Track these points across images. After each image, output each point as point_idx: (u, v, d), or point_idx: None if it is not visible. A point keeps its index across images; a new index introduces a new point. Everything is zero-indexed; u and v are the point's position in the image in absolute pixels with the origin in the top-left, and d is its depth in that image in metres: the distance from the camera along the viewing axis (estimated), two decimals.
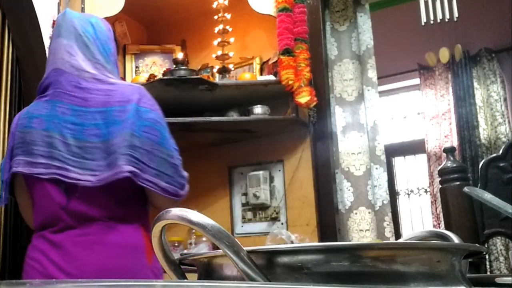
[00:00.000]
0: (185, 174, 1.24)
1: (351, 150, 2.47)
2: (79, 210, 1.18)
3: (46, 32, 2.25)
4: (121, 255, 1.16)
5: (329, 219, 2.27)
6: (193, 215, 0.38)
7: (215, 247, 0.39)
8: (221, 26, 2.41)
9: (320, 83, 2.37)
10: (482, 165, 1.45)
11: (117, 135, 1.16)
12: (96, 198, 1.17)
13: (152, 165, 1.16)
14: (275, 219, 2.38)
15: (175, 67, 2.23)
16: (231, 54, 2.43)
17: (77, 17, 1.33)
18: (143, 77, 2.33)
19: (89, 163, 1.16)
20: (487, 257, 3.43)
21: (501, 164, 1.41)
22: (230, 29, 2.42)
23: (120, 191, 1.18)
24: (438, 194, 3.14)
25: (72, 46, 1.27)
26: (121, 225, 1.19)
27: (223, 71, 2.40)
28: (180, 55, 2.38)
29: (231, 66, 2.45)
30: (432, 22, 2.81)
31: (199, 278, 0.44)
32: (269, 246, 0.38)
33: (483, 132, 3.84)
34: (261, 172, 2.38)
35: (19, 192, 1.28)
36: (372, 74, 2.49)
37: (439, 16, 2.79)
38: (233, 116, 2.29)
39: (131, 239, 1.18)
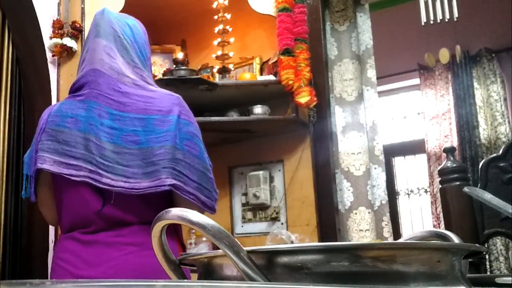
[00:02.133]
0: (217, 190, 1.26)
1: (351, 150, 2.47)
2: (114, 216, 1.16)
3: (46, 32, 2.25)
4: (154, 255, 1.14)
5: (329, 219, 2.27)
6: (193, 215, 0.38)
7: (215, 247, 0.39)
8: (221, 26, 2.41)
9: (320, 83, 2.37)
10: (482, 165, 1.45)
11: (157, 145, 1.14)
12: (132, 204, 1.16)
13: (193, 178, 1.16)
14: (275, 219, 2.38)
15: (175, 67, 2.23)
16: (231, 54, 2.43)
17: (115, 18, 1.30)
18: None
19: (123, 169, 1.14)
20: (487, 257, 3.43)
21: (501, 164, 1.41)
22: (230, 29, 2.42)
23: (156, 198, 1.17)
24: (438, 194, 3.14)
25: (111, 48, 1.24)
26: None
27: (223, 71, 2.40)
28: (180, 55, 2.38)
29: (231, 66, 2.45)
30: (432, 22, 2.81)
31: (199, 278, 0.44)
32: (269, 246, 0.38)
33: (483, 132, 3.84)
34: (261, 172, 2.38)
35: (42, 189, 1.26)
36: (372, 74, 2.49)
37: (439, 16, 2.79)
38: (233, 116, 2.29)
39: (167, 242, 1.16)
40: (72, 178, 1.15)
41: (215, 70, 2.48)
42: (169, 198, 1.19)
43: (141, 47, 1.30)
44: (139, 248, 1.15)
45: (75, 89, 1.26)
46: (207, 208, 1.19)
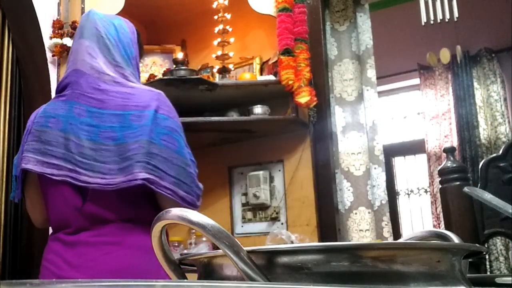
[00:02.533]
0: (201, 185, 1.24)
1: (351, 150, 2.47)
2: (93, 212, 1.17)
3: (46, 32, 2.25)
4: (135, 255, 1.15)
5: (329, 219, 2.27)
6: (193, 215, 0.38)
7: (215, 247, 0.39)
8: (221, 26, 2.41)
9: (320, 83, 2.37)
10: (482, 165, 1.45)
11: (132, 140, 1.14)
12: (111, 200, 1.16)
13: (171, 173, 1.15)
14: (275, 219, 2.38)
15: (175, 67, 2.23)
16: (231, 54, 2.43)
17: (100, 18, 1.31)
18: (143, 77, 2.33)
19: (100, 165, 1.15)
20: (487, 257, 3.43)
21: (501, 164, 1.41)
22: (230, 29, 2.42)
23: (134, 194, 1.17)
24: (438, 194, 3.14)
25: (93, 48, 1.26)
26: (136, 226, 1.17)
27: (223, 71, 2.40)
28: (180, 55, 2.38)
29: (231, 66, 2.45)
30: (432, 22, 2.81)
31: (199, 278, 0.44)
32: (269, 246, 0.38)
33: (483, 132, 3.84)
34: (261, 172, 2.38)
35: (29, 189, 1.27)
36: (371, 74, 2.49)
37: (439, 16, 2.79)
38: (233, 116, 2.29)
39: (145, 240, 1.16)
40: (54, 177, 1.17)
41: (215, 70, 2.48)
42: (149, 194, 1.18)
43: (125, 46, 1.31)
44: (118, 248, 1.15)
45: (59, 90, 1.28)
46: (187, 203, 1.16)
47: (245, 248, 0.36)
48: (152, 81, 2.17)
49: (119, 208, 1.17)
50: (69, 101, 1.23)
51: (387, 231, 2.36)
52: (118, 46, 1.29)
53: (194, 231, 2.36)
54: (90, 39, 1.27)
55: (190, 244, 2.37)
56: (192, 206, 1.18)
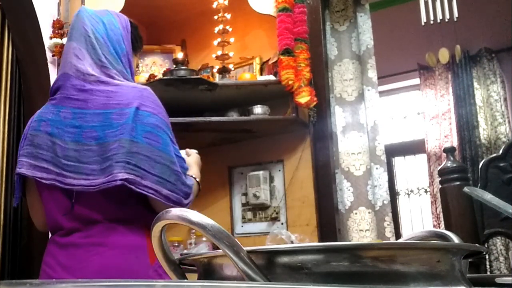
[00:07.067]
0: (190, 182, 1.21)
1: (351, 150, 2.47)
2: (82, 214, 1.18)
3: (46, 32, 2.25)
4: (122, 255, 1.15)
5: (329, 219, 2.27)
6: (193, 215, 0.38)
7: (215, 247, 0.39)
8: (221, 26, 2.41)
9: (320, 83, 2.37)
10: (482, 165, 1.45)
11: (112, 140, 1.14)
12: (97, 201, 1.16)
13: (154, 172, 1.13)
14: (275, 219, 2.38)
15: (175, 67, 2.23)
16: (231, 54, 2.43)
17: (89, 16, 1.29)
18: (143, 77, 2.33)
19: (84, 167, 1.15)
20: (487, 257, 3.43)
21: (501, 164, 1.41)
22: (230, 29, 2.42)
23: (120, 194, 1.16)
24: (438, 194, 3.14)
25: (80, 49, 1.25)
26: (124, 226, 1.17)
27: (223, 71, 2.40)
28: (180, 55, 2.38)
29: (231, 66, 2.45)
30: (432, 22, 2.81)
31: (199, 278, 0.44)
32: (269, 246, 0.38)
33: (483, 132, 3.84)
34: (261, 172, 2.38)
35: (29, 193, 1.29)
36: (372, 74, 2.49)
37: (439, 16, 2.79)
38: (233, 116, 2.29)
39: (132, 240, 1.17)
40: (43, 181, 1.18)
41: (215, 70, 2.48)
42: (138, 194, 1.16)
43: (115, 44, 1.29)
44: (106, 249, 1.15)
45: (52, 94, 1.29)
46: (172, 202, 1.14)
47: (245, 248, 0.36)
48: (152, 81, 2.17)
49: (105, 208, 1.17)
50: (57, 105, 1.23)
51: (389, 231, 2.36)
52: (107, 44, 1.28)
53: (194, 231, 2.36)
54: (78, 40, 1.26)
55: (190, 244, 2.37)
56: (178, 204, 1.15)
